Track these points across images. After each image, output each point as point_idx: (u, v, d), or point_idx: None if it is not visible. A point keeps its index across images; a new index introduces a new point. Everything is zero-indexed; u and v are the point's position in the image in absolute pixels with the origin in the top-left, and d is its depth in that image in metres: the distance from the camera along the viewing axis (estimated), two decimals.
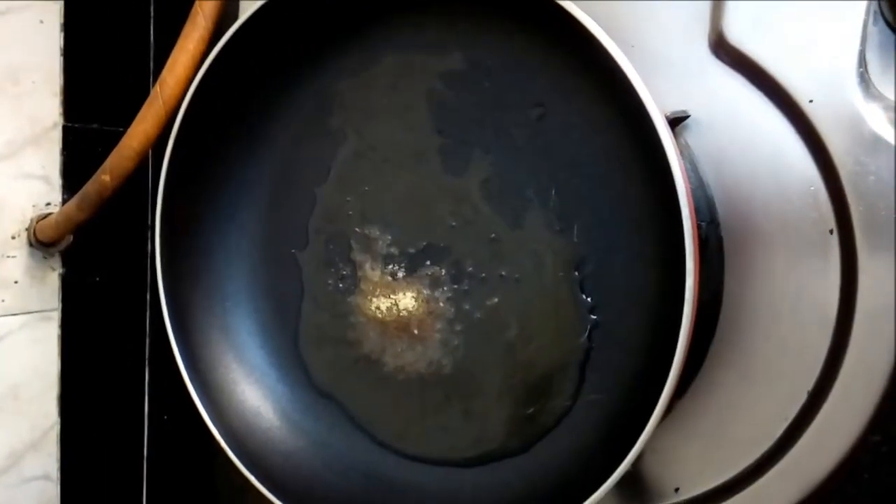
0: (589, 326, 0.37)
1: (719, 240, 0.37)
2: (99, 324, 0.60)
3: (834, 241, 0.36)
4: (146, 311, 0.63)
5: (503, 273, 0.40)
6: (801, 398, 0.37)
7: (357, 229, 0.43)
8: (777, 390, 0.37)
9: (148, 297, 0.63)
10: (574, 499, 0.35)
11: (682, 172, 0.30)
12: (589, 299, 0.37)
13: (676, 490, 0.40)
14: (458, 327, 0.41)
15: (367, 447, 0.43)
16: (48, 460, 0.56)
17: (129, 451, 0.62)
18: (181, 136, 0.43)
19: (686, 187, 0.30)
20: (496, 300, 0.40)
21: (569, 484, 0.37)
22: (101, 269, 0.60)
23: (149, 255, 0.63)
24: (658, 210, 0.34)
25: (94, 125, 0.59)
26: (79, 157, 0.58)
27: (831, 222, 0.36)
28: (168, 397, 0.63)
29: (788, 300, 0.37)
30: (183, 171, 0.44)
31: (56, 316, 0.57)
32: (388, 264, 0.43)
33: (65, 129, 0.57)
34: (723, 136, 0.38)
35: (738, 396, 0.38)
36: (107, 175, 0.53)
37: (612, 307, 0.37)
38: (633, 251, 0.36)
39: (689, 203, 0.30)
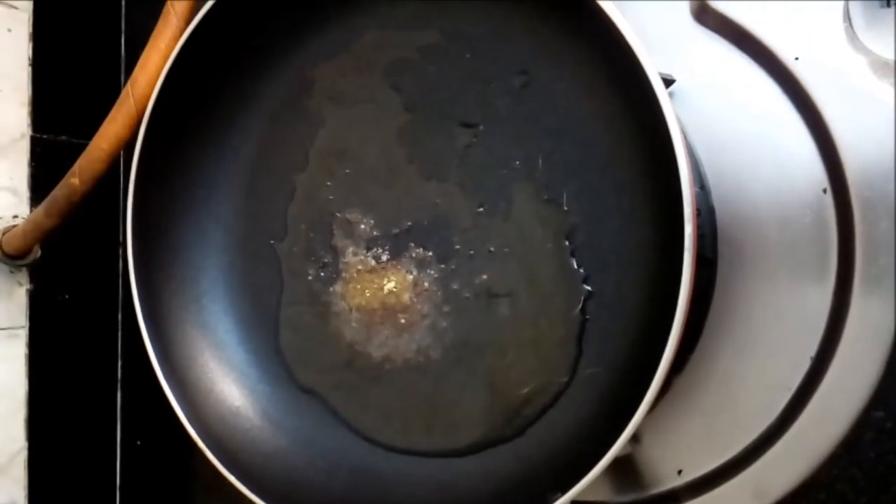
0: (583, 297, 0.36)
1: (710, 208, 0.36)
2: (69, 343, 0.57)
3: (828, 200, 0.35)
4: (118, 330, 0.61)
5: (491, 248, 0.38)
6: (805, 365, 0.36)
7: (338, 214, 0.42)
8: (778, 358, 0.36)
9: (120, 315, 0.61)
10: (572, 478, 0.33)
11: (678, 126, 0.29)
12: (581, 269, 0.36)
13: (679, 472, 0.38)
14: (446, 309, 0.39)
15: (354, 442, 0.41)
16: (15, 487, 0.53)
17: (100, 477, 0.59)
18: (151, 127, 0.42)
19: (683, 141, 0.29)
20: (485, 277, 0.38)
21: (567, 464, 0.35)
22: (72, 285, 0.58)
23: (121, 272, 0.61)
24: (650, 170, 0.33)
25: (64, 136, 0.58)
26: (48, 169, 0.56)
27: (824, 181, 0.35)
28: (142, 420, 0.61)
29: (785, 263, 0.36)
30: (154, 163, 0.43)
31: (23, 334, 0.54)
32: (371, 248, 0.41)
33: (33, 140, 0.56)
34: (709, 102, 0.37)
35: (739, 368, 0.37)
36: (76, 178, 0.51)
37: (605, 276, 0.35)
38: (625, 216, 0.35)
39: (686, 157, 0.29)
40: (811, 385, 0.36)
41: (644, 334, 0.34)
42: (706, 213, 0.36)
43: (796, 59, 0.35)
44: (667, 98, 0.29)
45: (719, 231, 0.37)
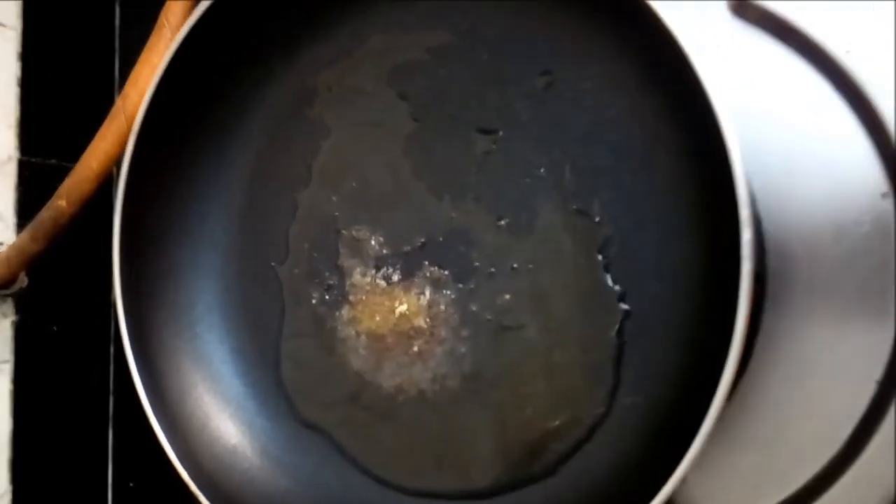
0: (620, 318, 0.32)
1: (757, 216, 0.33)
2: (57, 378, 0.54)
3: (888, 206, 0.32)
4: (110, 363, 0.58)
5: (515, 265, 0.35)
6: (870, 390, 0.32)
7: (344, 231, 0.38)
8: (839, 384, 0.33)
9: (112, 349, 0.58)
10: None
11: (729, 120, 0.26)
12: (617, 286, 0.33)
13: None
14: (464, 333, 0.36)
15: (363, 483, 0.37)
16: None
17: None
18: (140, 141, 0.39)
19: (735, 138, 0.26)
20: (507, 297, 0.35)
21: None
22: (60, 316, 0.55)
23: (113, 303, 0.58)
24: (693, 172, 0.30)
25: (53, 160, 0.55)
26: (35, 194, 0.53)
27: (883, 185, 0.32)
28: (135, 461, 0.57)
29: (841, 276, 0.32)
30: (143, 181, 0.40)
31: (8, 369, 0.51)
32: (381, 268, 0.38)
33: (20, 164, 0.53)
34: (751, 102, 0.34)
35: (794, 395, 0.33)
36: (63, 200, 0.48)
37: (645, 293, 0.32)
38: (665, 225, 0.31)
39: (739, 157, 0.26)
40: (878, 412, 0.32)
41: (690, 359, 0.31)
42: (754, 223, 0.32)
43: (847, 52, 0.32)
44: (714, 88, 0.26)
45: (767, 242, 0.33)
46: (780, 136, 0.33)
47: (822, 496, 0.32)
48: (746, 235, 0.25)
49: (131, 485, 0.58)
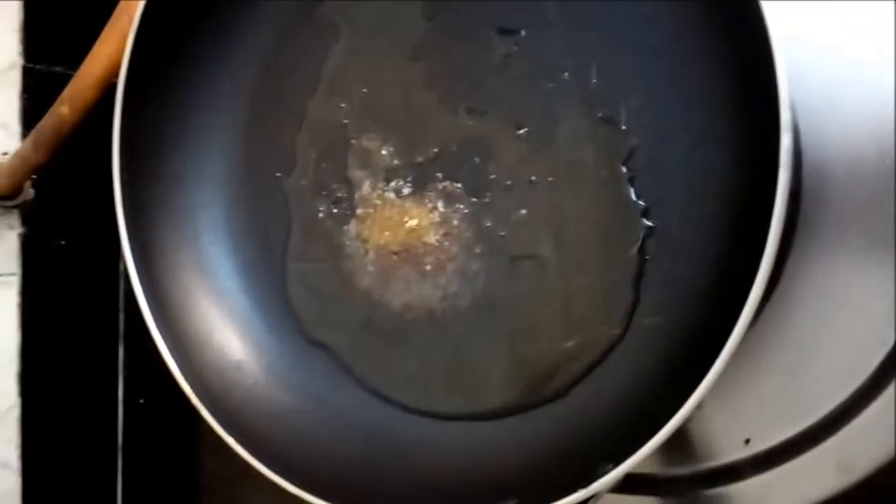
0: (642, 234, 0.31)
1: (795, 126, 0.30)
2: (66, 292, 0.54)
3: None
4: (119, 278, 0.57)
5: (533, 178, 0.33)
6: None
7: (353, 141, 0.36)
8: (872, 309, 0.31)
9: (122, 266, 0.57)
10: (625, 447, 0.28)
11: (774, 17, 0.23)
12: (641, 201, 0.31)
13: (747, 441, 0.33)
14: (477, 250, 0.34)
15: (369, 402, 0.36)
16: (6, 447, 0.50)
17: (100, 437, 0.56)
18: (138, 43, 0.36)
19: (779, 36, 0.23)
20: (524, 212, 0.33)
21: (617, 431, 0.30)
22: (68, 229, 0.54)
23: None
24: (731, 76, 0.28)
25: (59, 68, 0.53)
26: (41, 102, 0.51)
27: None
28: (145, 377, 0.57)
29: (883, 197, 0.30)
30: (143, 84, 0.38)
31: (15, 282, 0.51)
32: (392, 180, 0.36)
33: (24, 71, 0.52)
34: (796, 12, 0.31)
35: (823, 320, 0.32)
36: (65, 106, 0.47)
37: (670, 209, 0.30)
38: (697, 135, 0.29)
39: (783, 54, 0.23)
40: None
41: (715, 280, 0.29)
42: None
43: None
44: None
45: (805, 157, 0.31)
46: (825, 35, 0.31)
47: (844, 427, 0.31)
48: (786, 141, 0.23)
49: (142, 401, 0.58)
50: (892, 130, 0.30)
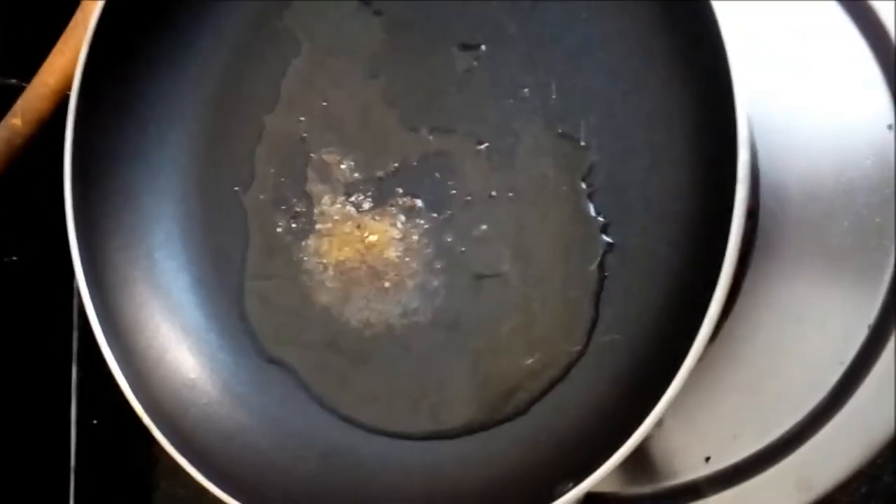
0: (602, 250, 0.30)
1: (753, 146, 0.31)
2: (17, 310, 0.52)
3: (890, 138, 0.29)
4: (73, 297, 0.56)
5: (493, 193, 0.33)
6: (861, 335, 0.30)
7: (313, 155, 0.36)
8: (830, 327, 0.31)
9: (75, 284, 0.56)
10: (585, 465, 0.28)
11: (733, 41, 0.24)
12: (601, 217, 0.30)
13: (707, 459, 0.33)
14: (437, 265, 0.34)
15: (328, 421, 0.35)
16: None
17: (53, 459, 0.54)
18: (93, 52, 0.36)
19: (737, 56, 0.24)
20: (485, 227, 0.33)
21: (577, 448, 0.30)
22: (20, 245, 0.52)
23: None
24: (689, 95, 0.28)
25: (13, 80, 0.52)
26: None
27: (890, 117, 0.30)
28: (99, 398, 0.56)
29: (840, 213, 0.30)
30: (97, 96, 0.37)
31: None
32: (352, 195, 0.35)
33: None
34: (753, 19, 0.31)
35: (781, 338, 0.32)
36: (17, 119, 0.46)
37: (629, 225, 0.30)
38: (656, 152, 0.29)
39: (740, 75, 0.23)
40: (868, 358, 0.30)
41: (674, 297, 0.29)
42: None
43: None
44: (720, 10, 0.24)
45: (762, 177, 0.31)
46: (783, 61, 0.31)
47: (803, 445, 0.31)
48: (743, 156, 0.23)
49: (95, 422, 0.56)
50: (848, 139, 0.30)
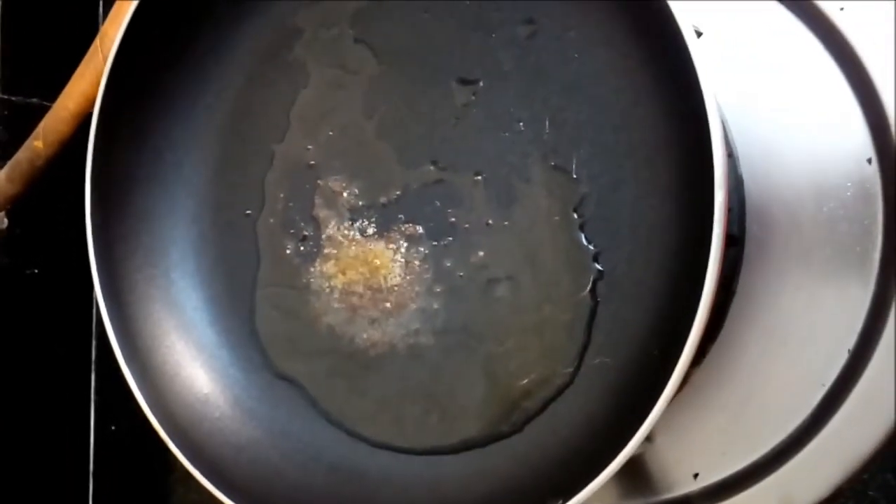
0: (593, 278, 0.32)
1: (738, 178, 0.32)
2: (38, 322, 0.54)
3: (873, 171, 0.31)
4: (92, 307, 0.57)
5: (490, 221, 0.34)
6: (841, 358, 0.32)
7: (320, 181, 0.37)
8: (812, 351, 0.32)
9: (94, 295, 0.57)
10: (576, 482, 0.29)
11: (711, 82, 0.25)
12: (592, 246, 0.32)
13: (695, 476, 0.34)
14: (437, 289, 0.35)
15: (334, 436, 0.37)
16: None
17: (72, 464, 0.56)
18: (113, 82, 0.37)
19: (715, 98, 0.25)
20: (481, 254, 0.34)
21: (569, 465, 0.31)
22: (42, 258, 0.54)
23: None
24: (674, 132, 0.29)
25: (35, 99, 0.54)
26: (17, 134, 0.52)
27: (869, 150, 0.31)
28: (117, 405, 0.57)
29: (821, 243, 0.32)
30: (116, 122, 0.39)
31: None
32: (357, 220, 0.37)
33: (1, 102, 0.52)
34: (738, 57, 0.33)
35: (766, 361, 0.33)
36: (39, 141, 0.47)
37: (619, 254, 0.31)
38: (643, 185, 0.30)
39: (718, 116, 0.25)
40: (848, 381, 0.32)
41: (662, 321, 0.30)
42: (733, 184, 0.32)
43: (841, 9, 0.31)
44: (698, 50, 0.25)
45: (748, 205, 0.32)
46: (767, 96, 0.32)
47: (786, 463, 0.32)
48: (719, 197, 0.24)
49: (113, 428, 0.57)
50: (829, 170, 0.31)
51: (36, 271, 0.54)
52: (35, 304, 0.53)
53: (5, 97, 0.52)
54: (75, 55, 0.51)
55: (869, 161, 0.31)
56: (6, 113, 0.52)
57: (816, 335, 0.33)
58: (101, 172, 0.39)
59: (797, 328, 0.33)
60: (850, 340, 0.32)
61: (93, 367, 0.57)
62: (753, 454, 0.34)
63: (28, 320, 0.53)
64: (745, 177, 0.33)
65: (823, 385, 0.32)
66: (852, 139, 0.32)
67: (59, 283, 0.54)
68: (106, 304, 0.38)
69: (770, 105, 0.33)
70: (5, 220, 0.52)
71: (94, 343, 0.57)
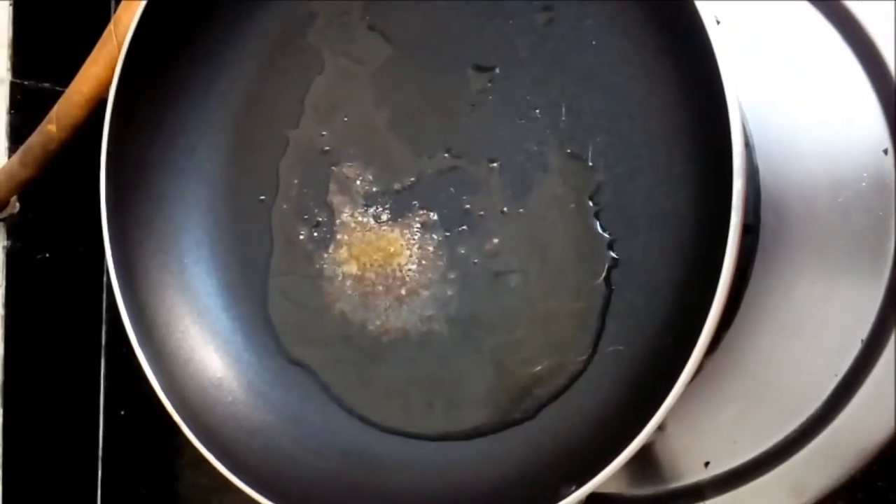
0: (608, 265, 0.32)
1: (754, 167, 0.32)
2: (49, 305, 0.54)
3: (889, 162, 0.31)
4: (103, 292, 0.57)
5: (504, 209, 0.34)
6: (855, 349, 0.32)
7: (334, 168, 0.38)
8: (825, 341, 0.32)
9: (105, 277, 0.58)
10: (588, 468, 0.29)
11: (731, 71, 0.25)
12: (607, 233, 0.32)
13: (706, 464, 0.35)
14: (451, 276, 0.35)
15: (346, 421, 0.37)
16: None
17: (81, 448, 0.56)
18: (128, 67, 0.37)
19: (734, 88, 0.25)
20: (496, 241, 0.34)
21: (582, 452, 0.31)
22: (53, 243, 0.54)
23: None
24: (692, 122, 0.29)
25: (47, 84, 0.54)
26: (29, 118, 0.52)
27: (886, 141, 0.31)
28: (126, 390, 0.58)
29: (836, 233, 0.32)
30: (131, 108, 0.39)
31: (0, 294, 0.50)
32: (371, 206, 0.37)
33: (13, 87, 0.52)
34: (754, 47, 0.33)
35: (779, 350, 0.33)
36: (53, 125, 0.47)
37: (634, 242, 0.31)
38: (659, 174, 0.30)
39: (738, 105, 0.25)
40: (861, 371, 0.32)
41: (676, 310, 0.30)
42: (749, 174, 0.32)
43: None
44: (718, 38, 0.25)
45: (763, 195, 0.32)
46: (784, 85, 0.32)
47: (798, 453, 0.32)
48: (738, 185, 0.24)
49: (122, 413, 0.58)
50: (845, 161, 0.31)
51: (47, 255, 0.54)
52: (46, 288, 0.53)
53: (17, 81, 0.52)
54: (87, 39, 0.51)
55: (885, 152, 0.31)
56: (18, 97, 0.52)
57: (830, 325, 0.33)
58: (115, 160, 0.39)
59: (811, 318, 0.33)
60: (864, 331, 0.32)
61: (102, 352, 0.58)
62: (765, 443, 0.34)
63: (39, 305, 0.53)
64: (760, 166, 0.33)
65: (836, 375, 0.32)
66: (868, 130, 0.32)
67: (69, 268, 0.55)
68: (120, 290, 0.38)
69: (786, 94, 0.33)
70: (17, 205, 0.52)
71: (104, 328, 0.58)
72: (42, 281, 0.54)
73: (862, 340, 0.32)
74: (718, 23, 0.32)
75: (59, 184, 0.52)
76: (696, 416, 0.35)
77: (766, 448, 0.34)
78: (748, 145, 0.33)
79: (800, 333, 0.33)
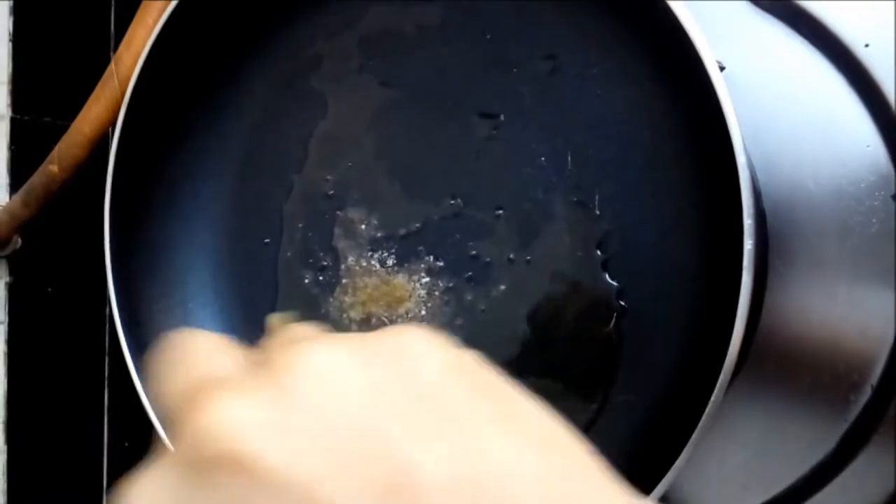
0: (616, 314, 0.32)
1: (761, 212, 0.32)
2: (52, 339, 0.54)
3: (892, 207, 0.31)
4: (105, 326, 0.57)
5: (511, 256, 0.34)
6: (865, 394, 0.31)
7: (339, 212, 0.37)
8: (834, 386, 0.32)
9: (108, 311, 0.58)
10: None
11: (737, 123, 0.25)
12: (615, 282, 0.32)
13: None
14: (458, 322, 0.35)
15: None
16: None
17: (86, 483, 0.56)
18: (132, 109, 0.37)
19: (741, 139, 0.25)
20: (503, 288, 0.34)
21: None
22: (55, 277, 0.54)
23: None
24: (699, 172, 0.29)
25: (47, 119, 0.54)
26: (29, 154, 0.52)
27: (893, 186, 0.31)
28: (130, 423, 0.57)
29: (845, 279, 0.31)
30: (135, 151, 0.39)
31: (2, 330, 0.51)
32: (376, 251, 0.37)
33: (13, 122, 0.52)
34: (762, 93, 0.33)
35: (787, 395, 0.33)
36: (55, 165, 0.47)
37: (642, 291, 0.31)
38: (667, 224, 0.30)
39: (745, 157, 0.25)
40: (871, 417, 0.31)
41: (686, 359, 0.30)
42: (758, 221, 0.31)
43: (867, 45, 0.31)
44: (725, 89, 0.25)
45: (770, 240, 0.32)
46: (789, 131, 0.32)
47: (807, 501, 0.32)
48: (748, 245, 0.24)
49: (126, 444, 0.58)
50: (851, 219, 0.31)
51: (49, 290, 0.54)
52: (48, 324, 0.53)
53: (17, 116, 0.52)
54: (86, 73, 0.51)
55: (894, 197, 0.31)
56: (18, 132, 0.52)
57: (838, 370, 0.32)
58: (119, 203, 0.39)
59: (820, 364, 0.33)
60: (874, 377, 0.32)
61: (106, 384, 0.58)
62: (772, 490, 0.34)
63: (41, 341, 0.53)
64: (767, 211, 0.33)
65: (846, 420, 0.32)
66: (877, 175, 0.32)
67: (72, 304, 0.55)
68: (125, 336, 0.38)
69: (794, 141, 0.33)
70: (19, 241, 0.52)
71: (107, 360, 0.58)
72: (44, 317, 0.54)
73: (872, 386, 0.32)
74: (723, 69, 0.32)
75: (61, 220, 0.52)
76: (702, 464, 0.35)
77: (773, 495, 0.33)
78: (755, 190, 0.33)
79: (809, 378, 0.33)
